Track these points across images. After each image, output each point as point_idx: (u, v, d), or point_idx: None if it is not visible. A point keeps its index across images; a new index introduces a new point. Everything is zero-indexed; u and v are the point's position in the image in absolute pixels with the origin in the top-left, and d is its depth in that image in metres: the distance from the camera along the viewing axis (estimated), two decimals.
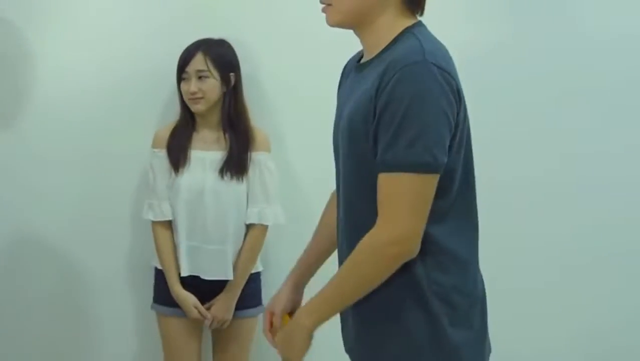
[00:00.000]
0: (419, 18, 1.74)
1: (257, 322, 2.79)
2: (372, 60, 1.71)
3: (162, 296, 2.76)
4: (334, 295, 1.69)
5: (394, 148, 1.58)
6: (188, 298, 2.69)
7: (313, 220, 2.89)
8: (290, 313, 1.91)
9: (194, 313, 2.68)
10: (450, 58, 1.69)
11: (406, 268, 1.64)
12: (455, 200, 1.68)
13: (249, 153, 2.72)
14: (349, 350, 1.82)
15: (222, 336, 2.79)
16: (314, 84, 2.88)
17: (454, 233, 1.69)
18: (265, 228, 2.76)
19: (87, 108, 2.91)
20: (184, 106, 2.74)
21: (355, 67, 1.79)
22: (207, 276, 2.68)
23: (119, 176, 2.93)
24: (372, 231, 1.62)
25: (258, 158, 2.73)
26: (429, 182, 1.60)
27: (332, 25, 1.74)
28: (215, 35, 2.77)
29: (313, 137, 2.89)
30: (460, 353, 1.69)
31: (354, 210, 1.73)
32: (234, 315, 2.74)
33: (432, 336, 1.67)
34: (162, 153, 2.73)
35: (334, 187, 2.91)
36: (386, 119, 1.59)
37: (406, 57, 1.61)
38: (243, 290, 2.75)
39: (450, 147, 1.63)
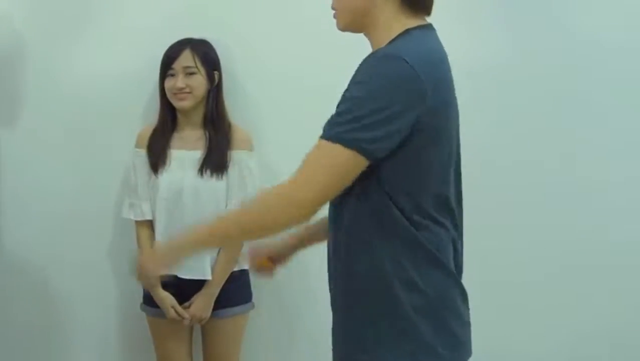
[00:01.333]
0: (427, 19, 1.76)
1: (246, 319, 2.80)
2: None
3: (147, 297, 2.76)
4: (221, 232, 1.73)
5: (336, 119, 1.61)
6: (166, 299, 2.68)
7: None
8: (272, 259, 2.05)
9: (172, 313, 2.68)
10: (437, 63, 1.68)
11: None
12: (433, 198, 1.69)
13: (228, 152, 2.71)
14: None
15: (212, 334, 2.78)
16: (297, 82, 2.91)
17: (427, 228, 1.68)
18: None
19: (73, 108, 2.91)
20: (165, 105, 2.74)
21: None
22: (185, 275, 2.64)
23: (105, 175, 2.93)
24: (281, 184, 1.63)
25: (239, 156, 2.72)
26: (355, 162, 1.60)
27: (341, 30, 1.80)
28: (194, 35, 2.77)
29: (295, 136, 2.90)
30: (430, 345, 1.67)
31: (338, 208, 1.73)
32: (224, 313, 2.73)
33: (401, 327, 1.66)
34: (144, 152, 2.73)
35: None
36: (342, 95, 1.64)
37: (383, 50, 1.65)
38: (231, 288, 2.74)
39: (409, 142, 1.61)
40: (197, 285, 2.69)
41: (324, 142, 1.61)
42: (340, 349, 1.75)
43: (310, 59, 2.91)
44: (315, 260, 3.00)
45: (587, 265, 3.05)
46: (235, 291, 2.76)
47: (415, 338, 1.66)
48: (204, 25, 2.84)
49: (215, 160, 2.68)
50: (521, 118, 2.98)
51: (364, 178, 1.64)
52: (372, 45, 1.75)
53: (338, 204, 1.72)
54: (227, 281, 2.72)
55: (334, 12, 1.79)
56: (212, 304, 2.70)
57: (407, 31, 1.69)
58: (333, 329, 1.78)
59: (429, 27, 1.74)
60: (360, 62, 1.64)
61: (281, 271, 2.84)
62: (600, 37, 3.01)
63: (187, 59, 2.70)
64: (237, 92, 2.87)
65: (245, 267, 2.76)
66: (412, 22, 1.71)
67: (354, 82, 1.63)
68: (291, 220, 1.65)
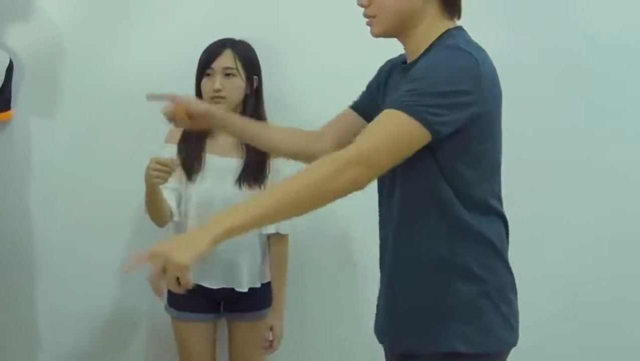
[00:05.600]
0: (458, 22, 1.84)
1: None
2: (415, 61, 1.78)
3: (176, 299, 2.65)
4: (279, 200, 1.57)
5: (403, 95, 1.64)
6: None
7: (319, 229, 2.94)
8: (189, 115, 2.04)
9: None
10: (489, 58, 1.74)
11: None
12: (484, 182, 1.75)
13: (268, 161, 2.63)
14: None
15: (238, 337, 2.73)
16: (327, 88, 2.86)
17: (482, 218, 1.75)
18: (285, 237, 2.71)
19: (106, 109, 2.90)
20: None
21: (402, 68, 1.86)
22: (216, 285, 2.60)
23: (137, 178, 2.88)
24: (339, 151, 1.62)
25: (276, 165, 2.64)
26: (418, 134, 1.62)
27: (376, 36, 1.83)
28: (234, 35, 2.69)
29: None
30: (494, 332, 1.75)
31: (404, 205, 1.77)
32: (249, 316, 2.69)
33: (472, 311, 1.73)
34: (173, 149, 2.61)
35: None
36: (409, 80, 1.68)
37: (441, 45, 1.74)
38: (256, 292, 2.68)
39: (466, 128, 1.67)
40: (225, 293, 2.63)
41: (389, 110, 1.64)
42: (407, 340, 1.80)
43: (342, 63, 2.88)
44: (335, 261, 3.06)
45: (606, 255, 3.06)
46: (260, 294, 2.70)
47: (476, 321, 1.74)
48: (245, 24, 2.78)
49: (256, 172, 2.60)
50: (531, 116, 2.96)
51: (426, 170, 1.70)
52: (408, 47, 1.83)
53: (400, 198, 1.77)
54: (256, 292, 2.67)
55: (369, 18, 1.82)
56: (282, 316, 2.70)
57: (448, 31, 1.78)
58: (391, 318, 1.83)
59: (463, 28, 1.83)
60: (404, 70, 1.72)
61: (306, 272, 2.93)
62: (612, 34, 3.01)
63: (227, 59, 2.59)
64: (271, 96, 2.77)
65: (258, 285, 2.68)
66: (450, 24, 1.81)
67: (420, 69, 1.68)
68: (350, 182, 1.58)
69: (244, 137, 2.20)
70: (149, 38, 2.89)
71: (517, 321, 1.82)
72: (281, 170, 2.62)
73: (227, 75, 2.59)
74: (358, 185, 1.60)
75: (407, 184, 1.76)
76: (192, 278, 1.47)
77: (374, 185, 1.80)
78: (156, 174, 2.36)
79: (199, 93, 2.62)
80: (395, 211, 1.79)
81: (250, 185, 2.59)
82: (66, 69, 2.89)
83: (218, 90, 2.57)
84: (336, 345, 3.02)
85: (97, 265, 2.92)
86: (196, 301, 2.61)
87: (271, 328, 2.70)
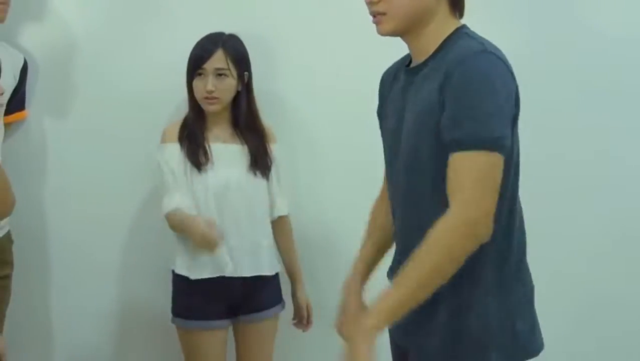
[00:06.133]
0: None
1: (277, 320, 2.76)
2: (426, 62, 1.76)
3: (183, 308, 2.64)
4: (412, 286, 1.64)
5: (463, 127, 1.61)
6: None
7: (322, 215, 2.97)
8: None
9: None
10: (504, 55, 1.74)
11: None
12: (508, 189, 1.72)
13: (268, 148, 2.69)
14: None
15: (245, 338, 2.73)
16: (318, 82, 2.92)
17: (508, 225, 1.74)
18: (285, 217, 2.78)
19: (116, 110, 2.92)
20: (195, 102, 2.63)
21: (406, 71, 1.84)
22: (246, 273, 2.61)
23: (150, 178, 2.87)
24: (444, 216, 1.62)
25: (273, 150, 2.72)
26: (496, 161, 1.63)
27: (383, 34, 1.79)
28: (222, 29, 2.68)
29: (317, 131, 2.97)
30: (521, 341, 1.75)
31: (416, 209, 1.77)
32: (256, 317, 2.69)
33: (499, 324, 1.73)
34: (175, 147, 2.60)
35: (344, 181, 2.92)
36: (455, 105, 1.63)
37: (468, 50, 1.68)
38: (263, 292, 2.69)
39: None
40: (244, 285, 2.63)
41: (463, 154, 1.62)
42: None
43: (335, 55, 2.93)
44: (345, 258, 3.06)
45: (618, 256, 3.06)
46: (267, 295, 2.70)
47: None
48: (228, 18, 2.79)
49: (262, 161, 2.65)
50: (546, 113, 2.96)
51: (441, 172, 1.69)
52: (414, 47, 1.81)
53: (422, 208, 1.75)
54: (259, 286, 2.66)
55: (378, 16, 1.78)
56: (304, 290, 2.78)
57: (457, 30, 1.77)
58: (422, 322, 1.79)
59: (467, 26, 1.82)
60: (446, 69, 1.66)
61: (311, 270, 2.92)
62: (627, 31, 3.02)
63: (219, 60, 2.57)
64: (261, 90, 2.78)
65: (278, 269, 2.75)
66: (457, 23, 1.80)
67: (464, 85, 1.64)
68: (475, 242, 1.63)
69: (377, 262, 2.05)
70: (162, 38, 2.91)
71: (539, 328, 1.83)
72: (274, 153, 2.70)
73: (219, 75, 2.59)
74: (485, 236, 1.64)
75: (417, 186, 1.77)
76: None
77: None
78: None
79: (190, 91, 2.63)
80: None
81: (261, 174, 2.64)
82: (80, 69, 2.91)
83: (211, 92, 2.58)
84: None
85: (110, 263, 2.95)
86: (210, 308, 2.61)
87: (305, 305, 2.78)
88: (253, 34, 2.74)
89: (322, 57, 2.94)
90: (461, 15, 1.83)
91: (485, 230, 1.63)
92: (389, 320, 1.66)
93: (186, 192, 2.56)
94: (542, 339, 1.82)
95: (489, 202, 1.62)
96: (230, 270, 2.57)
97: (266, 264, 2.66)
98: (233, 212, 2.59)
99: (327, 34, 2.94)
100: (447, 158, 1.65)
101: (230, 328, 2.72)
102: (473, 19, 1.85)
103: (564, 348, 2.99)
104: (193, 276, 2.59)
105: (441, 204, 1.66)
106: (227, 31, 2.67)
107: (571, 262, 3.03)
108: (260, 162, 2.65)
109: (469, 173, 1.61)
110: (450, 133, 1.64)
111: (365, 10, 1.82)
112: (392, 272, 1.88)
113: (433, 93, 1.69)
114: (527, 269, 1.83)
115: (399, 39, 1.84)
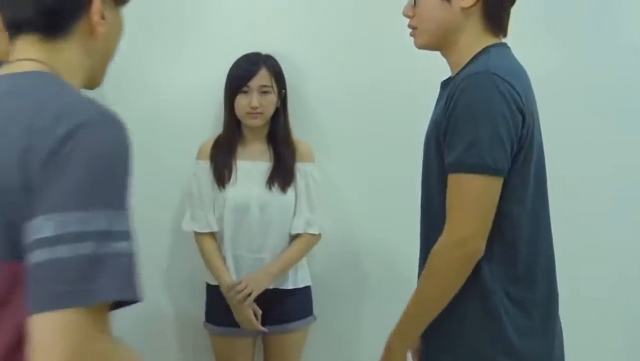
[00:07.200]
0: (503, 39, 1.82)
1: (307, 333, 2.80)
2: (454, 77, 1.79)
3: (215, 314, 2.75)
4: (415, 309, 1.76)
5: (456, 151, 1.65)
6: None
7: (355, 231, 2.98)
8: None
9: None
10: (521, 76, 1.75)
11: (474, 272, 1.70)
12: (530, 210, 1.73)
13: (295, 164, 2.73)
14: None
15: (273, 350, 2.78)
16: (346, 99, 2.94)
17: (529, 241, 1.75)
18: (312, 236, 2.76)
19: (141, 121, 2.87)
20: (232, 119, 2.72)
21: (442, 84, 1.88)
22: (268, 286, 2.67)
23: (171, 187, 2.92)
24: (439, 238, 1.68)
25: (304, 168, 2.75)
26: (490, 184, 1.65)
27: (419, 48, 1.85)
28: (257, 50, 2.75)
29: (357, 149, 2.98)
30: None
31: (427, 224, 1.82)
32: (285, 328, 2.73)
33: (497, 343, 1.73)
34: (206, 165, 2.72)
35: (377, 197, 2.95)
36: (451, 125, 1.67)
37: (471, 70, 1.71)
38: (292, 303, 2.74)
39: (517, 155, 1.68)
40: (263, 296, 2.66)
41: (457, 176, 1.66)
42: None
43: (369, 72, 2.94)
44: (376, 271, 3.06)
45: None
46: (293, 307, 2.75)
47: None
48: (262, 39, 2.82)
49: (283, 174, 2.70)
50: (572, 129, 2.95)
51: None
52: (450, 62, 1.83)
53: (433, 219, 1.77)
54: (289, 297, 2.72)
55: (412, 30, 1.83)
56: (268, 283, 2.65)
57: (486, 49, 1.76)
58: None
59: (505, 45, 1.81)
60: (453, 87, 1.69)
61: (343, 282, 2.95)
62: None
63: (263, 78, 2.68)
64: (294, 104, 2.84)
65: (309, 283, 2.79)
66: (491, 41, 1.78)
67: (458, 108, 1.66)
68: (465, 262, 1.67)
69: None
70: (193, 56, 2.94)
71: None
72: (309, 172, 2.74)
73: (263, 92, 2.68)
74: (477, 255, 1.68)
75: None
76: None
77: None
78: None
79: (230, 108, 2.71)
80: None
81: (279, 187, 2.69)
82: (110, 88, 2.90)
83: (255, 108, 2.66)
84: None
85: (151, 270, 2.94)
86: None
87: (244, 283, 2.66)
88: (282, 54, 2.79)
89: (353, 75, 2.95)
90: (501, 32, 1.81)
91: (475, 250, 1.67)
92: (403, 341, 1.79)
93: (209, 209, 2.70)
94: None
95: (477, 223, 1.66)
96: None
97: (290, 278, 2.73)
98: (252, 228, 2.67)
99: (362, 50, 2.94)
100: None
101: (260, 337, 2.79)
102: (510, 38, 1.84)
103: None
104: None
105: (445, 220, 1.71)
106: (250, 50, 2.74)
107: (592, 276, 3.00)
108: (277, 177, 2.70)
109: (459, 194, 1.66)
110: (447, 155, 1.68)
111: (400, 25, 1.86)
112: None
113: (442, 109, 1.73)
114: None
115: (430, 53, 1.87)
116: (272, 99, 2.70)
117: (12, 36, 1.25)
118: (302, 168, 2.74)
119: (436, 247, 1.69)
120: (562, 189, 2.88)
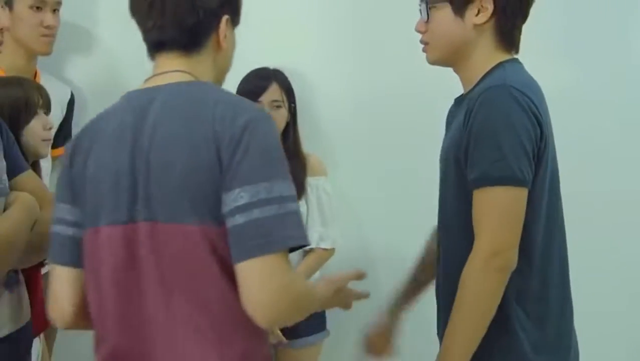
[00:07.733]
0: (515, 56, 1.83)
1: (320, 348, 2.80)
2: (468, 93, 1.79)
3: None
4: (463, 336, 1.69)
5: (481, 165, 1.65)
6: None
7: (369, 243, 2.96)
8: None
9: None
10: (536, 89, 1.77)
11: None
12: (545, 223, 1.73)
13: (306, 178, 2.74)
14: None
15: None
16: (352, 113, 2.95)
17: (542, 254, 1.74)
18: (325, 251, 2.76)
19: None
20: None
21: (455, 101, 1.89)
22: None
23: None
24: (470, 255, 1.66)
25: (316, 182, 2.76)
26: (518, 196, 1.65)
27: (431, 63, 1.86)
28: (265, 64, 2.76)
29: (367, 160, 2.99)
30: None
31: (450, 238, 1.80)
32: (298, 343, 2.73)
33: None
34: None
35: (389, 209, 2.90)
36: (473, 140, 1.67)
37: (488, 83, 1.71)
38: (307, 317, 2.70)
39: (536, 167, 1.69)
40: None
41: (484, 190, 1.65)
42: None
43: (380, 86, 2.96)
44: (390, 284, 3.06)
45: None
46: (310, 321, 2.71)
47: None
48: (271, 53, 2.83)
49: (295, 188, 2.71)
50: (588, 146, 2.96)
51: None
52: (463, 78, 1.84)
53: (454, 237, 1.77)
54: None
55: (425, 46, 1.84)
56: None
57: (500, 64, 1.77)
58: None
59: (518, 60, 1.82)
60: (471, 102, 1.69)
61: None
62: None
63: (275, 92, 2.70)
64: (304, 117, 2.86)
65: None
66: (503, 57, 1.79)
67: (478, 122, 1.67)
68: (502, 274, 1.66)
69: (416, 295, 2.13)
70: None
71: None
72: (321, 185, 2.75)
73: (275, 107, 2.69)
74: (510, 267, 1.66)
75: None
76: None
77: None
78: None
79: None
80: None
81: None
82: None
83: None
84: None
85: None
86: None
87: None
88: (289, 68, 2.81)
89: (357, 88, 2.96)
90: (513, 48, 1.82)
91: (509, 261, 1.65)
92: None
93: None
94: None
95: (509, 235, 1.65)
96: None
97: None
98: None
99: (370, 62, 2.96)
100: (468, 191, 1.69)
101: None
102: (525, 55, 1.85)
103: None
104: None
105: (465, 237, 1.69)
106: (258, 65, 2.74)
107: (614, 294, 3.00)
108: None
109: (488, 208, 1.65)
110: (470, 171, 1.68)
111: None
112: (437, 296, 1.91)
113: (459, 125, 1.72)
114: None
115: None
116: (283, 114, 2.71)
117: (153, 53, 1.55)
118: (313, 183, 2.75)
119: (469, 265, 1.66)
120: (576, 204, 2.94)
